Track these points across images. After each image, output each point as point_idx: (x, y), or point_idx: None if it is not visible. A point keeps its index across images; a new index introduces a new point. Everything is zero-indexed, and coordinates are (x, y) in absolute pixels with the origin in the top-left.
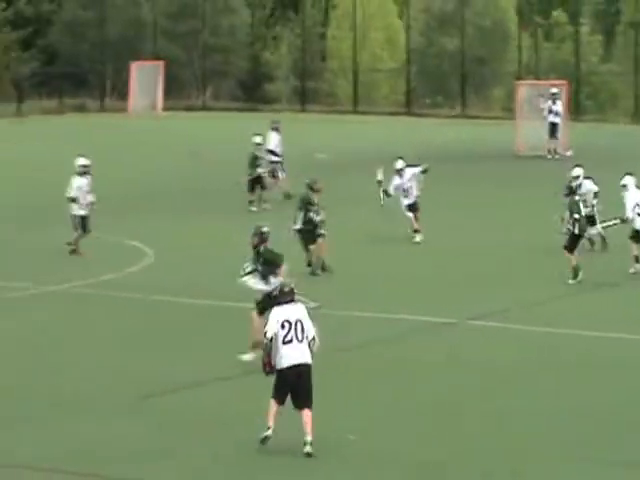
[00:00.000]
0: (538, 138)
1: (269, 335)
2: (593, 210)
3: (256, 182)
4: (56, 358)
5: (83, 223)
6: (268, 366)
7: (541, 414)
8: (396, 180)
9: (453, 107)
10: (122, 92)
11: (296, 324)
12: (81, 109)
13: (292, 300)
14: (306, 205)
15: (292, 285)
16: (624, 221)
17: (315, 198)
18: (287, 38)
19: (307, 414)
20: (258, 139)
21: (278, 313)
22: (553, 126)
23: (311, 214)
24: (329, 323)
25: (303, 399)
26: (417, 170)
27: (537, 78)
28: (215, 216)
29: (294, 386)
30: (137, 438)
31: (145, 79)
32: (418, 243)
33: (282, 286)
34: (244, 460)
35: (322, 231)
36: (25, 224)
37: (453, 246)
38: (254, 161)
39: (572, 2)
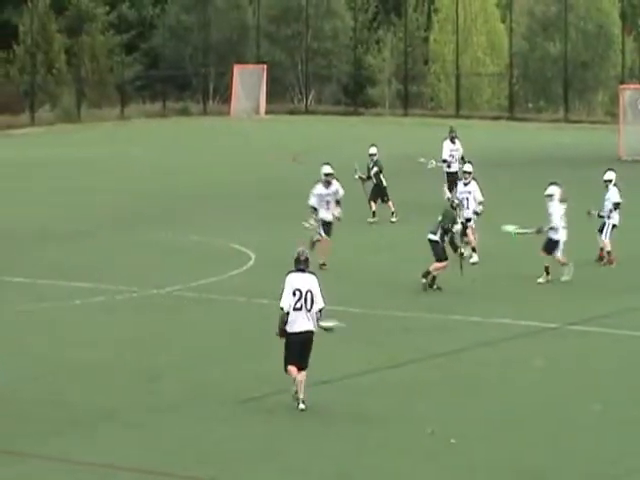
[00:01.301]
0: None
1: (284, 306)
2: None
3: (378, 192)
4: (156, 361)
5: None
6: (281, 332)
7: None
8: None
9: (556, 111)
10: (225, 95)
11: (306, 294)
12: (184, 112)
13: (305, 269)
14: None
15: (307, 254)
16: (539, 232)
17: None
18: (390, 42)
19: (303, 374)
20: (373, 150)
21: (291, 281)
22: None
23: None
24: (426, 327)
25: (303, 362)
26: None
27: None
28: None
29: (299, 349)
30: (238, 440)
31: (248, 82)
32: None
33: (299, 254)
34: (350, 460)
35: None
36: (129, 226)
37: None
38: (369, 171)
39: None
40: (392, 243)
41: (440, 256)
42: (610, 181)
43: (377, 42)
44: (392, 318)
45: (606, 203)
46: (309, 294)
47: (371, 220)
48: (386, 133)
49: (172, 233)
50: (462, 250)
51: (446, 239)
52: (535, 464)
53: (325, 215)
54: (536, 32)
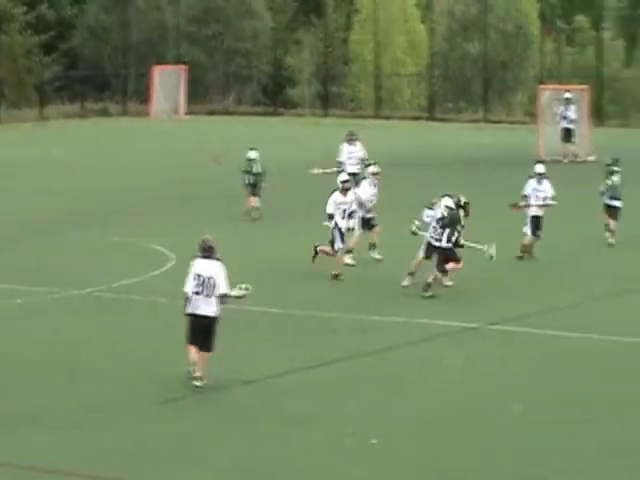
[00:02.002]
0: (559, 142)
1: (186, 289)
2: None
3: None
4: (75, 363)
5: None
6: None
7: (566, 421)
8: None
9: (475, 111)
10: (144, 96)
11: (208, 279)
12: (103, 113)
13: (210, 256)
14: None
15: (212, 242)
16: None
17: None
18: (309, 42)
19: (204, 355)
20: (252, 154)
21: (195, 266)
22: (567, 132)
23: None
24: (350, 328)
25: (203, 345)
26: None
27: (559, 83)
28: (235, 222)
29: (198, 332)
30: (160, 441)
31: (167, 83)
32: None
33: (204, 241)
34: (273, 461)
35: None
36: (49, 227)
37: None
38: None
39: (594, 7)
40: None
41: (454, 257)
42: (543, 174)
43: (297, 42)
44: (314, 318)
45: (539, 195)
46: (211, 280)
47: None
48: (306, 134)
49: (93, 234)
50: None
51: (453, 239)
52: (457, 464)
53: (342, 223)
54: (456, 32)
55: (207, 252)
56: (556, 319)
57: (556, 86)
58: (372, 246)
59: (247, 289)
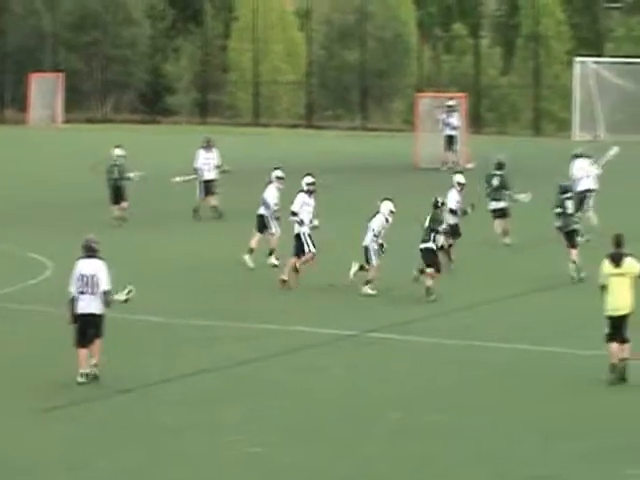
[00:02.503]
0: (437, 150)
1: (71, 290)
2: None
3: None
4: None
5: None
6: (71, 316)
7: (453, 428)
8: None
9: (353, 119)
10: (22, 104)
11: (91, 278)
12: None
13: (93, 256)
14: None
15: (94, 242)
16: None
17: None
18: (188, 50)
19: (94, 348)
20: (118, 151)
21: (78, 267)
22: (450, 139)
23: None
24: (230, 336)
25: (90, 341)
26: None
27: (437, 91)
28: (111, 229)
29: (85, 330)
30: (41, 449)
31: (44, 91)
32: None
33: (86, 241)
34: (150, 471)
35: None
36: None
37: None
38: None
39: (472, 15)
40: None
41: (430, 262)
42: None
43: (175, 50)
44: (194, 327)
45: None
46: (94, 278)
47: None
48: (182, 142)
49: None
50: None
51: (437, 242)
52: (338, 472)
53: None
54: (334, 40)
55: (90, 251)
56: (432, 326)
57: (434, 94)
58: (271, 252)
59: (130, 292)
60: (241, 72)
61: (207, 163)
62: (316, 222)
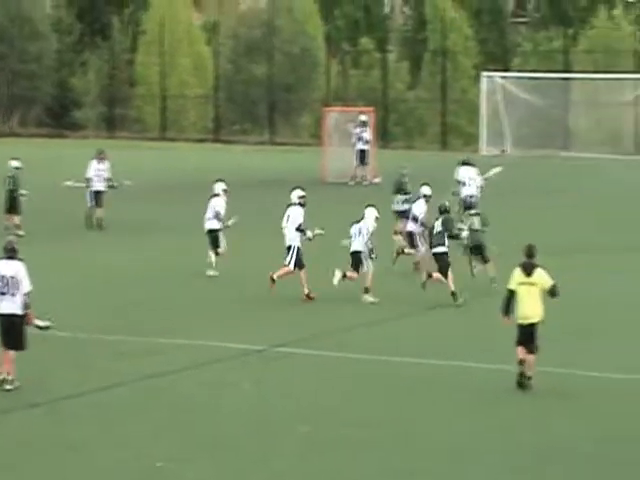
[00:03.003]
0: (345, 165)
1: None
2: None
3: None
4: None
5: None
6: None
7: (358, 442)
8: None
9: (261, 134)
10: None
11: (10, 279)
12: None
13: (12, 257)
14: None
15: (14, 244)
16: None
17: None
18: (95, 64)
19: (11, 354)
20: (15, 163)
21: None
22: (362, 153)
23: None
24: (137, 350)
25: (11, 342)
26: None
27: (345, 105)
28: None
29: (7, 331)
30: None
31: None
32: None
33: (6, 243)
34: None
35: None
36: None
37: (254, 272)
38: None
39: (379, 29)
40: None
41: (446, 269)
42: (430, 196)
43: (82, 64)
44: (100, 342)
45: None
46: (14, 279)
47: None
48: (90, 156)
49: None
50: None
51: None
52: None
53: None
54: (241, 54)
55: (10, 253)
56: (337, 340)
57: (342, 108)
58: (210, 264)
59: (51, 321)
60: (148, 86)
61: (98, 175)
62: (310, 233)
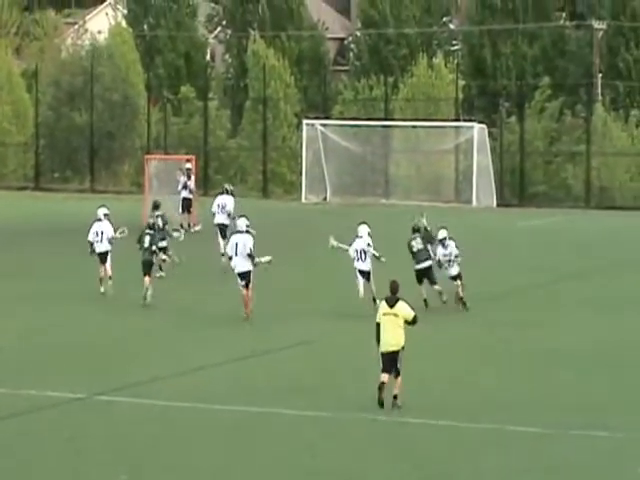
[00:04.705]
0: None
1: None
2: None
3: None
4: None
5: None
6: None
7: None
8: None
9: (82, 181)
10: None
11: None
12: None
13: None
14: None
15: None
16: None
17: None
18: None
19: None
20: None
21: None
22: (187, 201)
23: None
24: None
25: None
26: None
27: (166, 153)
28: None
29: None
30: None
31: None
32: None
33: None
34: None
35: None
36: None
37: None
38: None
39: (200, 77)
40: None
41: (436, 279)
42: (446, 238)
43: None
44: None
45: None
46: None
47: None
48: None
49: None
50: None
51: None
52: None
53: None
54: (62, 102)
55: None
56: (162, 388)
57: (162, 156)
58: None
59: None
60: None
61: None
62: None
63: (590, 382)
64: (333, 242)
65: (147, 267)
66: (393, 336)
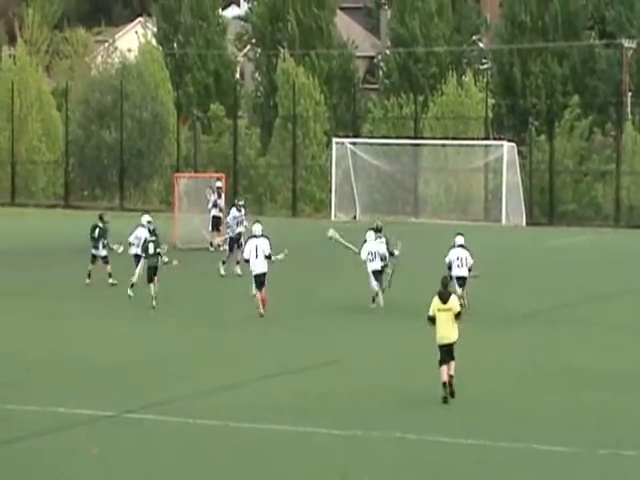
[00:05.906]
0: (197, 230)
1: None
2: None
3: None
4: None
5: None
6: None
7: None
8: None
9: (111, 199)
10: None
11: None
12: None
13: None
14: None
15: None
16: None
17: None
18: None
19: None
20: None
21: None
22: (217, 219)
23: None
24: None
25: None
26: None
27: (196, 171)
28: None
29: None
30: None
31: None
32: None
33: None
34: None
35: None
36: None
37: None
38: None
39: (230, 95)
40: None
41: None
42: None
43: None
44: None
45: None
46: None
47: None
48: None
49: None
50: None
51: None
52: None
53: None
54: (92, 120)
55: None
56: (189, 407)
57: (192, 174)
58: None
59: None
60: None
61: None
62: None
63: (619, 402)
64: (333, 233)
65: (153, 272)
66: (449, 329)
